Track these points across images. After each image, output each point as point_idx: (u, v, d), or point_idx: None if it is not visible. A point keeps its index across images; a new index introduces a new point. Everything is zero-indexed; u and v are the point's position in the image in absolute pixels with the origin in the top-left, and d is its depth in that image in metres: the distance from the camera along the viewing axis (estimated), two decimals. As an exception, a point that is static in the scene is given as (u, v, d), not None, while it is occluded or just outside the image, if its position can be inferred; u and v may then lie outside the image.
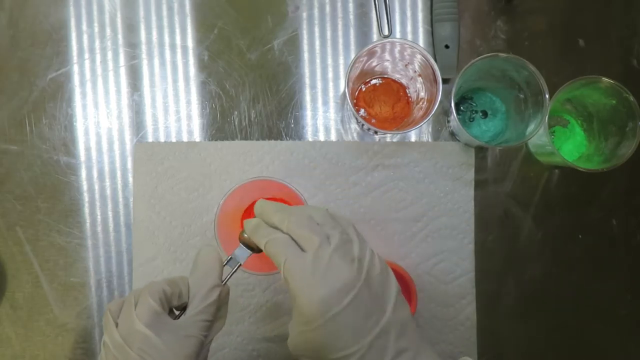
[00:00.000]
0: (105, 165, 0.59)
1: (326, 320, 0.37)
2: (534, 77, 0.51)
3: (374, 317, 0.38)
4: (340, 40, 0.60)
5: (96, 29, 0.59)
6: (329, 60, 0.59)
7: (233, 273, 0.44)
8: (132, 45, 0.59)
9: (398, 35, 0.60)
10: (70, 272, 0.58)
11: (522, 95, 0.54)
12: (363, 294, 0.38)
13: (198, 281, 0.42)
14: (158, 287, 0.40)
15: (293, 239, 0.40)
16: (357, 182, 0.58)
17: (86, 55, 0.59)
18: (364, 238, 0.42)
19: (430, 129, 0.59)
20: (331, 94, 0.59)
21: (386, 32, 0.59)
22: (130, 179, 0.59)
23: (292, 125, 0.59)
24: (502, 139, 0.57)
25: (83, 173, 0.59)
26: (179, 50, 0.59)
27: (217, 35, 0.59)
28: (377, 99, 0.58)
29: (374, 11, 0.60)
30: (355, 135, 0.59)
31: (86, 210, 0.59)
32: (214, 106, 0.59)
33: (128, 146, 0.59)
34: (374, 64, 0.55)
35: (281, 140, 0.59)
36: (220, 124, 0.59)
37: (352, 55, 0.59)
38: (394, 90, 0.58)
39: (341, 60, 0.60)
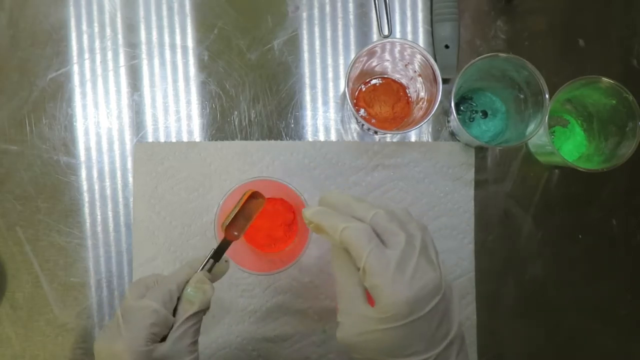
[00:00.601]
0: (105, 165, 0.59)
1: (407, 323, 0.36)
2: (534, 77, 0.51)
3: (444, 328, 0.38)
4: (340, 40, 0.60)
5: (96, 29, 0.59)
6: (329, 60, 0.59)
7: (206, 262, 0.46)
8: (132, 45, 0.59)
9: (398, 35, 0.60)
10: (70, 272, 0.58)
11: (522, 95, 0.54)
12: (442, 302, 0.37)
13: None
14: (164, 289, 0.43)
15: (375, 232, 0.38)
16: (357, 182, 0.58)
17: (86, 55, 0.59)
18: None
19: (430, 129, 0.59)
20: (331, 94, 0.59)
21: (386, 32, 0.59)
22: (130, 179, 0.59)
23: (292, 125, 0.59)
24: (502, 139, 0.57)
25: (83, 173, 0.59)
26: (179, 50, 0.59)
27: (217, 35, 0.59)
28: (377, 99, 0.58)
29: (374, 11, 0.60)
30: (355, 135, 0.59)
31: (86, 210, 0.59)
32: (214, 106, 0.59)
33: (128, 146, 0.59)
34: (374, 64, 0.55)
35: (281, 140, 0.59)
36: (220, 124, 0.59)
37: (352, 55, 0.59)
38: (394, 90, 0.58)
39: (341, 60, 0.60)
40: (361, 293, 0.39)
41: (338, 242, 0.38)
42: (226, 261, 0.47)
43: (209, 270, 0.46)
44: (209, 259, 0.46)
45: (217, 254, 0.46)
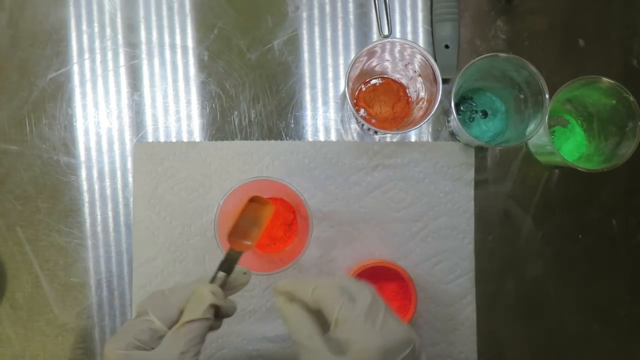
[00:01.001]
0: (105, 165, 0.59)
1: None
2: (534, 77, 0.51)
3: None
4: (340, 40, 0.60)
5: (96, 29, 0.59)
6: (329, 60, 0.59)
7: (215, 274, 0.44)
8: (132, 45, 0.59)
9: (398, 35, 0.60)
10: (70, 272, 0.58)
11: (522, 95, 0.54)
12: (412, 354, 0.39)
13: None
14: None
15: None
16: (357, 182, 0.58)
17: (86, 55, 0.59)
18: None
19: (430, 129, 0.59)
20: (331, 94, 0.59)
21: (386, 32, 0.59)
22: (130, 179, 0.59)
23: (292, 125, 0.59)
24: (502, 139, 0.57)
25: (83, 173, 0.59)
26: (179, 50, 0.59)
27: (217, 35, 0.59)
28: (377, 99, 0.58)
29: (374, 11, 0.60)
30: (355, 135, 0.59)
31: (86, 210, 0.59)
32: (214, 106, 0.59)
33: (128, 146, 0.59)
34: (374, 64, 0.55)
35: (281, 140, 0.59)
36: (220, 124, 0.59)
37: (352, 55, 0.59)
38: (394, 90, 0.58)
39: (341, 60, 0.60)
40: (326, 347, 0.39)
41: (311, 301, 0.40)
42: (245, 273, 0.45)
43: (223, 284, 0.43)
44: (217, 272, 0.43)
45: (226, 266, 0.44)
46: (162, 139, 0.59)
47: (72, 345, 0.58)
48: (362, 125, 0.56)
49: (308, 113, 0.59)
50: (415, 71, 0.55)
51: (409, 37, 0.60)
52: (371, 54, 0.52)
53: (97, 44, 0.59)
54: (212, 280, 0.43)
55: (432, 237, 0.58)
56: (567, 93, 0.53)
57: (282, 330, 0.57)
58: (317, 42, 0.59)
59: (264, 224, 0.48)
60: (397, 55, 0.53)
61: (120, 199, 0.59)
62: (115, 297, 0.58)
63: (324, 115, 0.59)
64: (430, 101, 0.52)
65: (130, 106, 0.59)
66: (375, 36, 0.60)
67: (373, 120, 0.58)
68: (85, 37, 0.59)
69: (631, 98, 0.51)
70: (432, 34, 0.59)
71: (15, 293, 0.58)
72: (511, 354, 0.59)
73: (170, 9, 0.59)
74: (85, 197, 0.59)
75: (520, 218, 0.59)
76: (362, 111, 0.58)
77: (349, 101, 0.51)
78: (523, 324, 0.59)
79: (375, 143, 0.59)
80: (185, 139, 0.59)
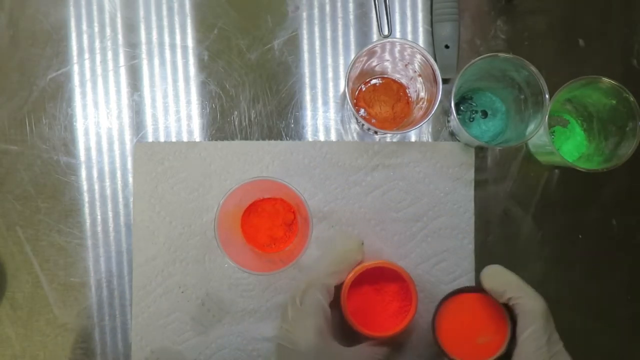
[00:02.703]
0: (105, 165, 0.59)
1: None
2: (534, 77, 0.51)
3: None
4: (340, 40, 0.60)
5: (96, 29, 0.59)
6: (329, 60, 0.59)
7: None
8: (132, 45, 0.59)
9: (398, 35, 0.60)
10: (70, 272, 0.58)
11: (522, 95, 0.54)
12: None
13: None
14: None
15: None
16: (357, 182, 0.58)
17: (86, 55, 0.59)
18: None
19: (430, 129, 0.59)
20: (331, 94, 0.59)
21: (386, 32, 0.59)
22: (130, 179, 0.59)
23: (292, 125, 0.59)
24: (502, 139, 0.57)
25: (83, 173, 0.59)
26: (179, 50, 0.59)
27: (217, 35, 0.59)
28: (377, 99, 0.58)
29: (374, 11, 0.60)
30: (355, 135, 0.59)
31: (86, 210, 0.59)
32: (214, 106, 0.59)
33: (128, 146, 0.59)
34: (374, 64, 0.55)
35: (281, 140, 0.59)
36: (220, 124, 0.59)
37: (352, 55, 0.59)
38: (394, 90, 0.58)
39: (341, 60, 0.60)
40: None
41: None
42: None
43: None
44: None
45: None
46: (162, 139, 0.59)
47: (72, 345, 0.58)
48: (362, 125, 0.56)
49: (308, 113, 0.59)
50: (415, 71, 0.55)
51: (409, 37, 0.60)
52: (371, 54, 0.52)
53: (97, 44, 0.59)
54: None
55: (432, 237, 0.58)
56: (567, 93, 0.53)
57: (282, 330, 0.57)
58: (317, 42, 0.59)
59: None
60: (397, 55, 0.54)
61: (120, 199, 0.59)
62: (115, 297, 0.58)
63: (324, 115, 0.59)
64: (430, 101, 0.52)
65: (130, 106, 0.59)
66: (375, 36, 0.60)
67: (373, 120, 0.58)
68: (85, 37, 0.59)
69: (631, 98, 0.51)
70: (432, 34, 0.59)
71: (15, 293, 0.58)
72: (511, 354, 0.59)
73: (170, 9, 0.59)
74: (85, 197, 0.59)
75: (520, 218, 0.59)
76: (362, 111, 0.58)
77: (349, 101, 0.51)
78: (523, 324, 0.59)
79: (375, 143, 0.59)
80: (185, 139, 0.59)
